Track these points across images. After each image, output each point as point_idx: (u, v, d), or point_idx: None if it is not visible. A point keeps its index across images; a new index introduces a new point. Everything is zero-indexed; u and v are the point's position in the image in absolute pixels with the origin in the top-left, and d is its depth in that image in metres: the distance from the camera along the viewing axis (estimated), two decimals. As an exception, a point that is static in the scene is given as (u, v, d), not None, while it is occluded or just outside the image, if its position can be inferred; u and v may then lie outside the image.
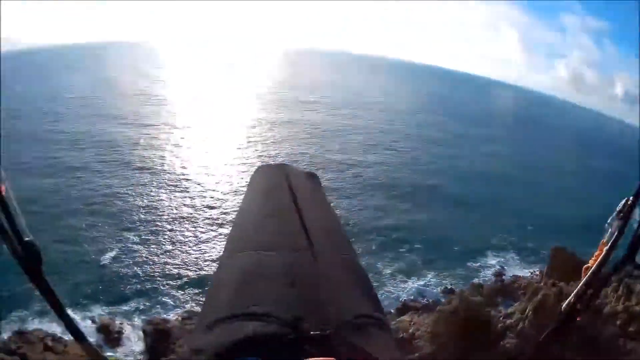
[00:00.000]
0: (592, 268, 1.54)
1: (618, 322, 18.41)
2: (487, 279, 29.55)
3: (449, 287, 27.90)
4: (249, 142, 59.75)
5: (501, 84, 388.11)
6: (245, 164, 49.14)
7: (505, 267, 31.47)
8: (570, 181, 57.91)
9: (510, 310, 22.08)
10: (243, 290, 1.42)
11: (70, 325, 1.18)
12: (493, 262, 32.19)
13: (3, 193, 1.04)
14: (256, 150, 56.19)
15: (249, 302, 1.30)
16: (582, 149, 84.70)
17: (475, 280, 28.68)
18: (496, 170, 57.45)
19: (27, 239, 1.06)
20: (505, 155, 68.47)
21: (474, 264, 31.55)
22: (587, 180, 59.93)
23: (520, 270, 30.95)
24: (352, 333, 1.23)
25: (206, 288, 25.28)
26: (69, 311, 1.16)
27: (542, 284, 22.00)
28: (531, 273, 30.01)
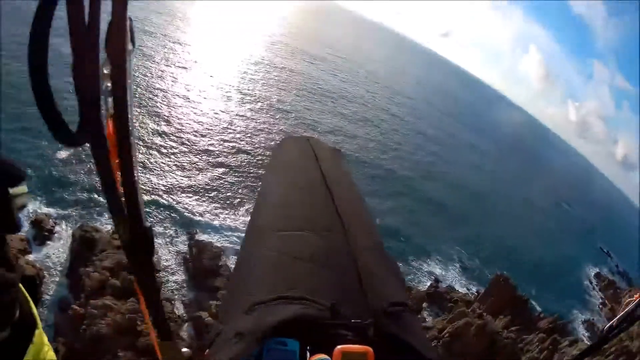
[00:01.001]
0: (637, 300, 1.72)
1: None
2: (422, 281, 28.27)
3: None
4: (243, 75, 56.95)
5: (508, 101, 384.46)
6: (225, 95, 47.32)
7: (444, 274, 30.26)
8: (543, 221, 57.12)
9: (430, 323, 21.16)
10: (279, 273, 1.59)
11: (163, 325, 1.14)
12: (435, 266, 30.88)
13: (133, 157, 0.78)
14: (244, 85, 53.21)
15: (286, 286, 1.49)
16: (567, 194, 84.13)
17: (410, 280, 27.39)
18: (476, 183, 55.90)
19: (145, 224, 0.89)
20: (491, 173, 66.97)
21: (415, 263, 30.11)
22: (561, 226, 59.38)
23: (458, 283, 29.79)
24: (389, 322, 1.38)
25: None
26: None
27: (470, 310, 20.82)
28: (467, 290, 28.89)
